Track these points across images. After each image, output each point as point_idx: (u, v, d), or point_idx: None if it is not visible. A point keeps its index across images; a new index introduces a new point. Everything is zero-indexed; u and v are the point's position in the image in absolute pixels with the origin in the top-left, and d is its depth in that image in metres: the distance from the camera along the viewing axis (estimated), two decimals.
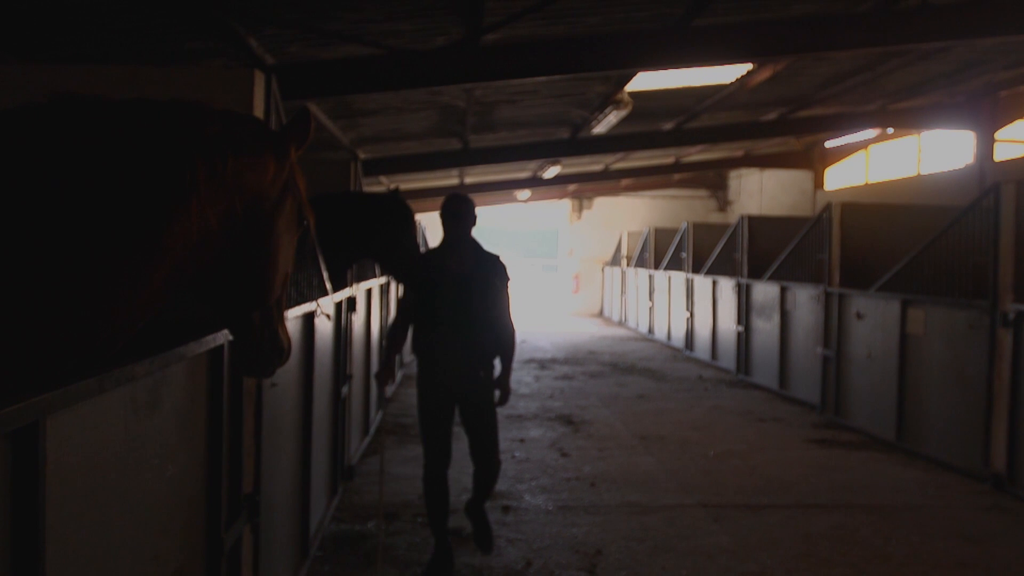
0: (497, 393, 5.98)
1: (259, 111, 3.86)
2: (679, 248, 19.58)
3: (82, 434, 2.07)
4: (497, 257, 5.88)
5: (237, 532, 3.53)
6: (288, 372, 4.84)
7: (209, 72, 4.49)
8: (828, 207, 11.42)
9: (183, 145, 2.34)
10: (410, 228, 6.76)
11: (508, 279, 5.86)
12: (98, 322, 2.21)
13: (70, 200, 2.14)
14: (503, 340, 5.91)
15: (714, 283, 16.34)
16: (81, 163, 2.19)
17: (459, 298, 5.65)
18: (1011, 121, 15.29)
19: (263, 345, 2.83)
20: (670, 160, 22.14)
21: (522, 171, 22.01)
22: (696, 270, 18.03)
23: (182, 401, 2.88)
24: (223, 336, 3.26)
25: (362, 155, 13.72)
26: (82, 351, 2.21)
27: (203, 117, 2.48)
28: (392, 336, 6.09)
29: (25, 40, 6.57)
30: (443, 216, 5.70)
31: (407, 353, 13.84)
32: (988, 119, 15.01)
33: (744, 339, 14.42)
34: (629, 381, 14.11)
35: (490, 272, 5.75)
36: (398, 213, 6.73)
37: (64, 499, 1.95)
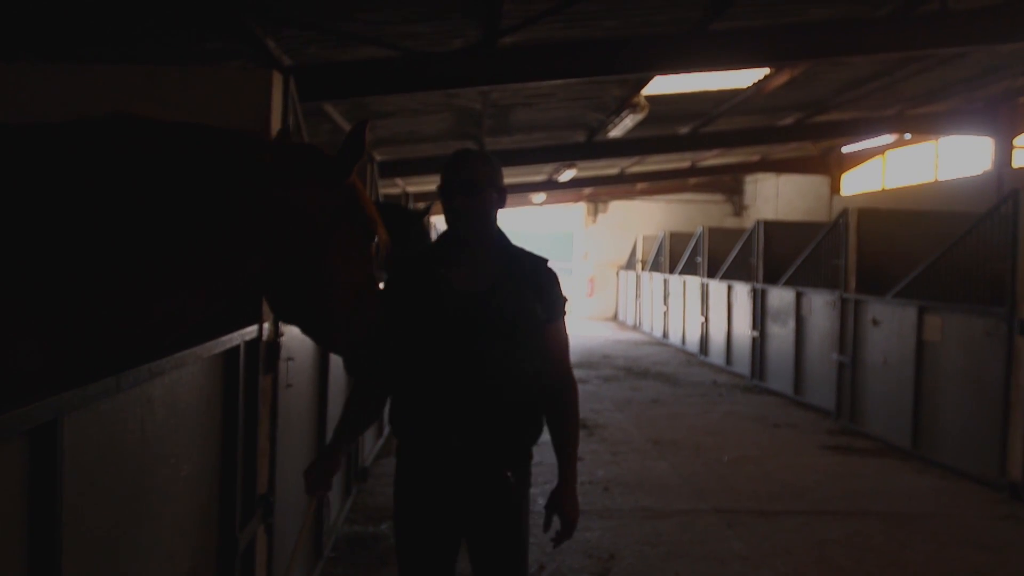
0: (556, 524, 3.40)
1: (277, 112, 3.87)
2: (694, 252, 19.53)
3: (99, 433, 2.08)
4: (542, 262, 3.35)
5: (251, 532, 3.54)
6: (303, 373, 4.85)
7: (227, 73, 4.51)
8: (844, 212, 11.37)
9: (227, 177, 2.39)
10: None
11: (562, 301, 3.36)
12: (126, 338, 2.27)
13: (109, 218, 2.21)
14: (557, 409, 3.40)
15: (729, 288, 16.28)
16: (125, 188, 2.25)
17: (469, 337, 3.14)
18: None
19: (354, 353, 2.91)
20: (686, 164, 22.10)
21: (537, 174, 21.99)
22: (711, 275, 17.98)
23: (198, 401, 2.89)
24: (239, 337, 3.28)
25: (378, 157, 13.73)
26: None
27: (250, 147, 2.55)
28: (349, 405, 3.41)
29: (47, 41, 6.61)
30: (443, 192, 3.20)
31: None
32: (1007, 125, 14.92)
33: (759, 344, 14.36)
34: (643, 385, 14.08)
35: (527, 290, 3.23)
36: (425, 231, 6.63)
37: (81, 497, 1.96)
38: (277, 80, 3.90)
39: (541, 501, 7.25)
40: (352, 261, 2.74)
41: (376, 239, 2.83)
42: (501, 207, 3.27)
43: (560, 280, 3.37)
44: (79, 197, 2.19)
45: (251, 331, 3.50)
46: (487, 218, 3.20)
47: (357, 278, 2.76)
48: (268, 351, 3.84)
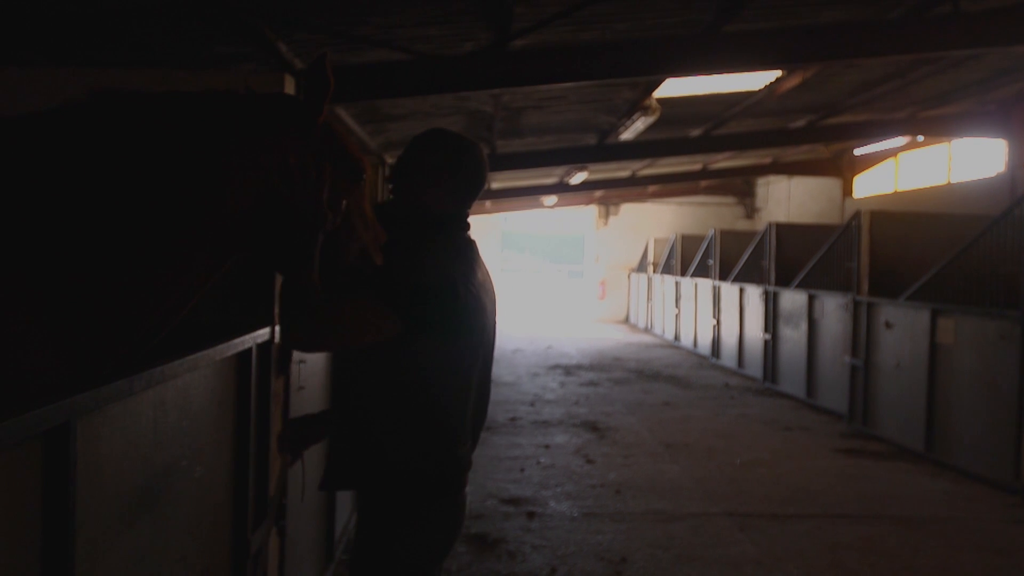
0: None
1: None
2: (706, 255, 19.51)
3: (112, 435, 2.09)
4: (398, 240, 2.83)
5: (264, 535, 3.54)
6: (314, 376, 4.86)
7: (240, 76, 4.52)
8: (857, 215, 11.34)
9: (215, 135, 2.41)
10: None
11: (382, 271, 2.75)
12: (133, 315, 2.28)
13: (106, 195, 2.22)
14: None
15: (741, 290, 16.25)
16: (117, 160, 2.26)
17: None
18: None
19: None
20: (697, 167, 22.05)
21: (549, 177, 21.99)
22: (723, 277, 17.95)
23: (210, 403, 2.89)
24: (251, 340, 3.28)
25: (389, 160, 13.75)
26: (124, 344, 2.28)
27: (230, 103, 2.56)
28: None
29: (59, 44, 6.64)
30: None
31: None
32: (1020, 127, 14.83)
33: (771, 347, 14.33)
34: (655, 388, 14.06)
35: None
36: None
37: (94, 499, 1.96)
38: (289, 83, 3.92)
39: (554, 504, 7.24)
40: (339, 202, 2.73)
41: (363, 178, 2.82)
42: (423, 192, 2.88)
43: (416, 263, 2.75)
44: (76, 184, 2.20)
45: (263, 333, 3.51)
46: (403, 207, 2.91)
47: (354, 218, 2.76)
48: (280, 354, 3.85)
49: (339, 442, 2.86)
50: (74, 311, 2.13)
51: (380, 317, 2.63)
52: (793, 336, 13.48)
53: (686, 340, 20.41)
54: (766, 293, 14.63)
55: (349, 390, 2.82)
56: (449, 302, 2.71)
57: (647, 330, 25.02)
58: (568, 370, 15.91)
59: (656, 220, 28.74)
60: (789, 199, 24.25)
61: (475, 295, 2.82)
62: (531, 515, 7.00)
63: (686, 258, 21.92)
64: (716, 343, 17.84)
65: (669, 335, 22.11)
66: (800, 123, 15.15)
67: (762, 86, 11.27)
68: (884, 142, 18.42)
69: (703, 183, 26.18)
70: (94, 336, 2.18)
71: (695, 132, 15.35)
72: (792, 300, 13.58)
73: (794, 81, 11.02)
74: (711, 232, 19.44)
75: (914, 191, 18.40)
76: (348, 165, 2.77)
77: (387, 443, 2.75)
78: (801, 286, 13.24)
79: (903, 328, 9.92)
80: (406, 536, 2.77)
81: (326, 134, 2.72)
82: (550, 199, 26.97)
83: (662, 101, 11.38)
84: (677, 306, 21.33)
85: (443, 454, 2.79)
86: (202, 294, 2.46)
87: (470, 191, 2.95)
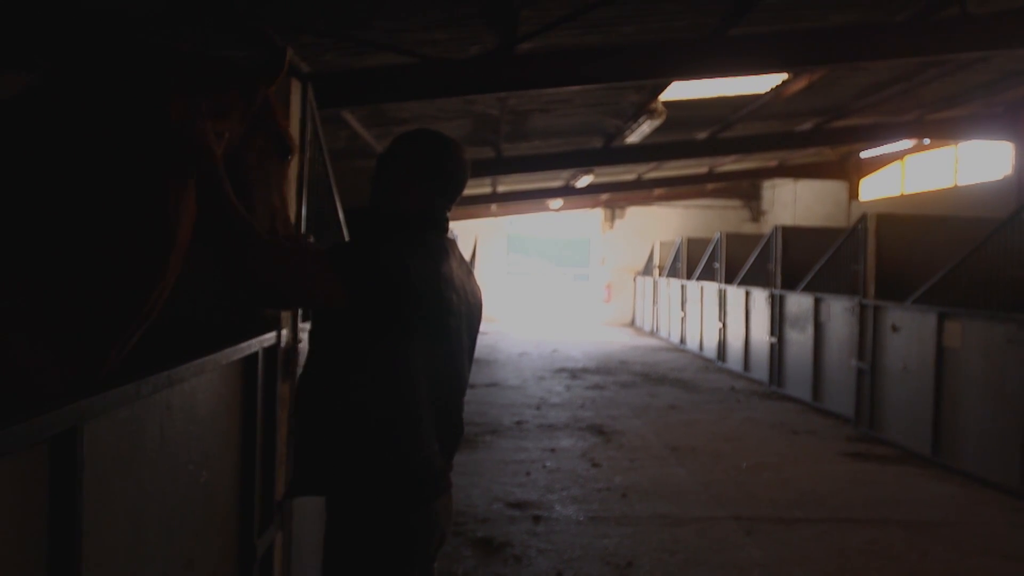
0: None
1: (295, 119, 3.88)
2: (712, 258, 19.49)
3: (119, 439, 2.08)
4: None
5: (269, 539, 3.54)
6: None
7: None
8: (863, 218, 11.32)
9: (178, 96, 2.44)
10: None
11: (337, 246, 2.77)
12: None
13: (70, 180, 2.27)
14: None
15: (747, 294, 16.23)
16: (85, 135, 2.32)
17: None
18: None
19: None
20: (703, 170, 22.05)
21: (555, 180, 22.00)
22: (729, 280, 17.93)
23: (217, 408, 2.89)
24: (257, 344, 3.28)
25: None
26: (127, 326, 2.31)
27: (181, 61, 2.56)
28: None
29: (68, 50, 6.65)
30: None
31: None
32: None
33: (777, 350, 14.31)
34: (661, 391, 14.04)
35: None
36: None
37: (100, 503, 1.96)
38: (295, 87, 3.91)
39: (560, 508, 7.20)
40: (268, 176, 2.78)
41: (289, 158, 2.88)
42: (389, 184, 2.92)
43: (352, 247, 2.76)
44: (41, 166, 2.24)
45: (269, 338, 3.51)
46: (372, 206, 2.95)
47: (272, 196, 2.80)
48: (286, 358, 3.85)
49: (304, 446, 2.80)
50: (68, 302, 2.16)
51: (324, 271, 2.56)
52: (799, 339, 13.46)
53: (692, 343, 20.40)
54: (772, 296, 14.61)
55: (313, 390, 2.78)
56: (400, 284, 2.62)
57: (653, 333, 25.00)
58: (574, 373, 15.90)
59: (662, 223, 28.73)
60: (795, 202, 24.23)
61: (438, 291, 2.74)
62: (537, 519, 6.99)
63: (692, 261, 21.91)
64: (722, 346, 17.81)
65: (675, 338, 22.09)
66: (806, 126, 15.15)
67: (768, 89, 11.27)
68: (891, 145, 18.38)
69: (709, 186, 26.17)
70: (90, 328, 2.21)
71: (701, 135, 15.35)
72: (798, 303, 13.56)
73: (801, 84, 11.01)
74: (717, 235, 19.43)
75: (920, 194, 18.38)
76: (280, 142, 2.81)
77: (347, 446, 2.70)
78: (807, 289, 13.22)
79: (910, 331, 9.89)
80: (369, 545, 2.72)
81: (265, 103, 2.76)
82: (556, 202, 26.98)
83: (668, 104, 11.38)
84: (683, 309, 21.31)
85: (400, 457, 2.71)
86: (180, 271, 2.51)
87: (439, 189, 2.91)
